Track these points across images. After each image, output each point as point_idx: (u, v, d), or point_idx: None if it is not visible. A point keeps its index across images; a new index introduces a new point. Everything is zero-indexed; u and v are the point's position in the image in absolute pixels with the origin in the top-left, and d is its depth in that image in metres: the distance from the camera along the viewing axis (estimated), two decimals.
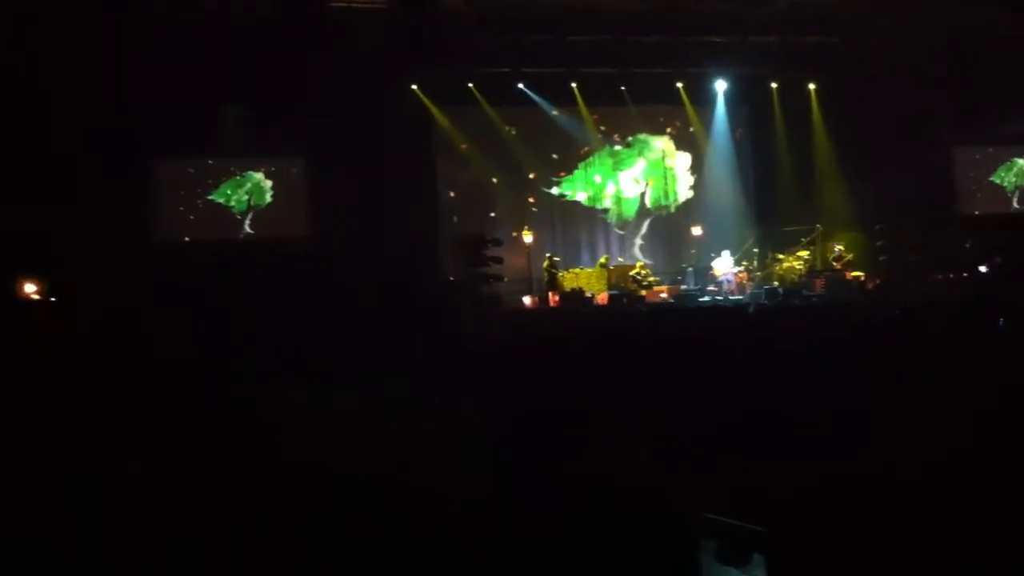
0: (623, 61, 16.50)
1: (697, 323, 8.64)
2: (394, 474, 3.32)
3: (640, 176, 18.49)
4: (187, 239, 15.67)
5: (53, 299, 12.60)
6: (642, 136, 18.48)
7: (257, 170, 16.25)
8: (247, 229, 16.11)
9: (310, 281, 12.28)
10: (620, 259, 17.65)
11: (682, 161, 18.65)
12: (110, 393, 4.41)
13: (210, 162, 16.13)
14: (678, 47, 16.15)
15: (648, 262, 17.68)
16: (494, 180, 17.48)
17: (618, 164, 18.39)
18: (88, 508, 3.06)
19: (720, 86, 17.78)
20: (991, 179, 18.81)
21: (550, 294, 15.64)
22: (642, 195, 18.47)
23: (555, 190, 18.05)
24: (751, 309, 11.66)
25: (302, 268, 13.28)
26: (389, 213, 14.94)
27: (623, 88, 17.23)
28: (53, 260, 12.51)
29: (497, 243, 16.03)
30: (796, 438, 3.27)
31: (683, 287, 16.58)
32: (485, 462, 3.34)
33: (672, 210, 18.55)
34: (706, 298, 15.49)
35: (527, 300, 16.00)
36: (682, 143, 18.63)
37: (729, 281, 15.97)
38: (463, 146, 17.20)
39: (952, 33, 15.57)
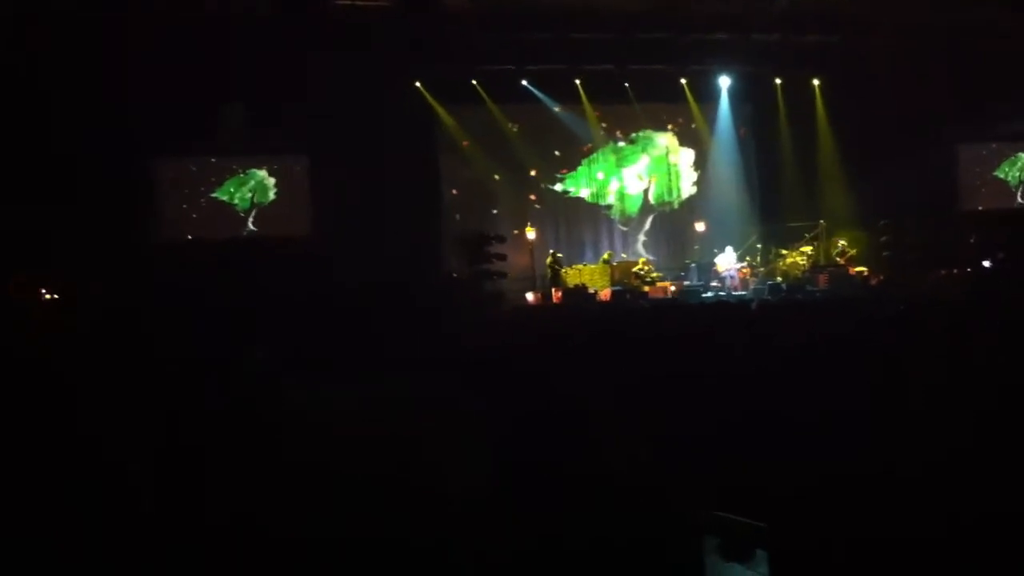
0: (625, 59, 16.48)
1: (700, 319, 8.61)
2: (394, 474, 3.31)
3: (643, 172, 18.47)
4: (190, 237, 15.70)
5: (53, 299, 12.61)
6: (645, 132, 18.45)
7: (260, 168, 16.26)
8: (251, 227, 16.11)
9: (311, 280, 12.30)
10: (623, 255, 17.66)
11: (685, 157, 18.63)
12: (110, 393, 4.41)
13: (212, 160, 16.14)
14: (680, 45, 16.15)
15: (651, 258, 17.69)
16: (496, 177, 17.45)
17: (621, 160, 18.37)
18: (88, 508, 3.06)
19: (724, 82, 17.74)
20: (995, 174, 18.74)
21: (553, 291, 15.65)
22: (645, 191, 18.46)
23: (558, 187, 18.03)
24: (754, 305, 11.65)
25: (304, 267, 13.30)
26: (392, 211, 14.95)
27: (626, 85, 17.19)
28: (53, 260, 12.51)
29: (500, 240, 16.03)
30: (796, 437, 3.27)
31: (686, 283, 16.56)
32: (485, 462, 3.33)
33: (675, 206, 18.53)
34: (709, 294, 15.50)
35: (530, 296, 16.02)
36: (685, 139, 18.61)
37: (732, 277, 15.99)
38: (465, 144, 17.16)
39: (952, 33, 15.56)
